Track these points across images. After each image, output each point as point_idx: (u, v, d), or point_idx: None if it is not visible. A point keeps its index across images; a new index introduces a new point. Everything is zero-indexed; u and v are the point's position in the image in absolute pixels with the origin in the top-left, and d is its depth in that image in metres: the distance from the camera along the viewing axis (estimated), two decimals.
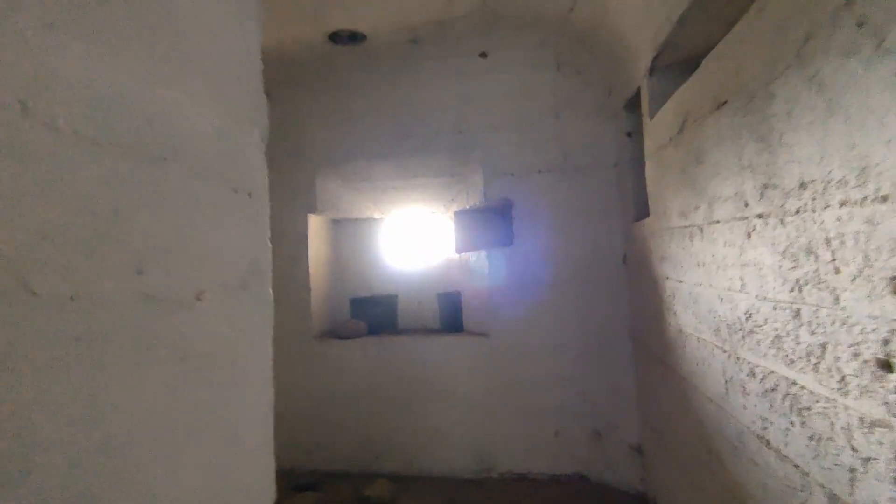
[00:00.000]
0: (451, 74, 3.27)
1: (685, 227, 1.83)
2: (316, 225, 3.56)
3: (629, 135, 2.77)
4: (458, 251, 3.65)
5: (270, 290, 1.21)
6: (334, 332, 3.51)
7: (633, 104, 2.59)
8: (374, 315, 3.91)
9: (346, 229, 3.96)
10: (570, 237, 3.09)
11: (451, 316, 3.78)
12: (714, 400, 1.63)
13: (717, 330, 1.59)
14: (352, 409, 3.33)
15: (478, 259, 3.35)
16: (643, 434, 2.79)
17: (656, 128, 2.13)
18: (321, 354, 3.39)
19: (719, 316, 1.56)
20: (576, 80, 3.09)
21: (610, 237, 3.03)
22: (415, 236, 4.02)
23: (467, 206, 3.49)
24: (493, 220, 3.68)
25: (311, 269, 3.44)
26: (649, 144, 2.27)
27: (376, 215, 3.86)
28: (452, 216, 3.72)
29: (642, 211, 2.58)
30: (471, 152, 3.26)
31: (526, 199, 3.16)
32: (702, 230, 1.67)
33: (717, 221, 1.54)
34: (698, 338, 1.77)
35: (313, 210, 3.41)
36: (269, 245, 1.24)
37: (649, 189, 2.32)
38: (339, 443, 3.33)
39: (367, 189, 3.64)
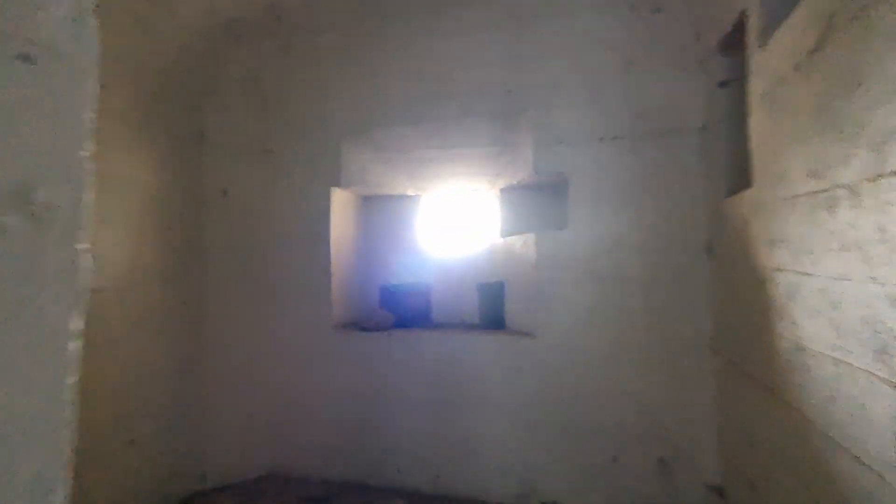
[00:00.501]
0: (498, 21, 2.73)
1: (819, 192, 1.22)
2: (341, 201, 3.13)
3: (723, 85, 2.13)
4: (504, 235, 3.12)
5: (80, 245, 0.73)
6: (357, 324, 3.07)
7: (731, 41, 1.95)
8: (406, 306, 3.45)
9: (376, 207, 3.51)
10: (637, 221, 2.48)
11: (491, 310, 3.25)
12: (872, 465, 1.03)
13: (883, 352, 0.98)
14: (373, 412, 2.89)
15: (525, 245, 2.80)
16: (726, 474, 2.17)
17: (771, 57, 1.51)
18: (341, 348, 2.96)
19: (889, 329, 0.96)
20: (654, 22, 2.47)
21: (689, 221, 2.40)
22: (454, 217, 3.52)
23: (515, 182, 2.94)
24: (544, 198, 3.11)
25: (333, 251, 3.01)
26: (758, 86, 1.65)
27: (410, 192, 3.39)
28: (498, 194, 3.18)
29: (739, 182, 1.95)
30: (520, 116, 2.71)
31: (585, 174, 2.58)
32: (855, 193, 1.07)
33: (894, 173, 0.93)
34: (838, 360, 1.16)
35: (337, 183, 2.98)
36: (85, 160, 0.76)
37: (755, 148, 1.70)
38: (358, 449, 2.90)
39: (400, 161, 3.17)
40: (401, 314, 3.35)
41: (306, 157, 3.03)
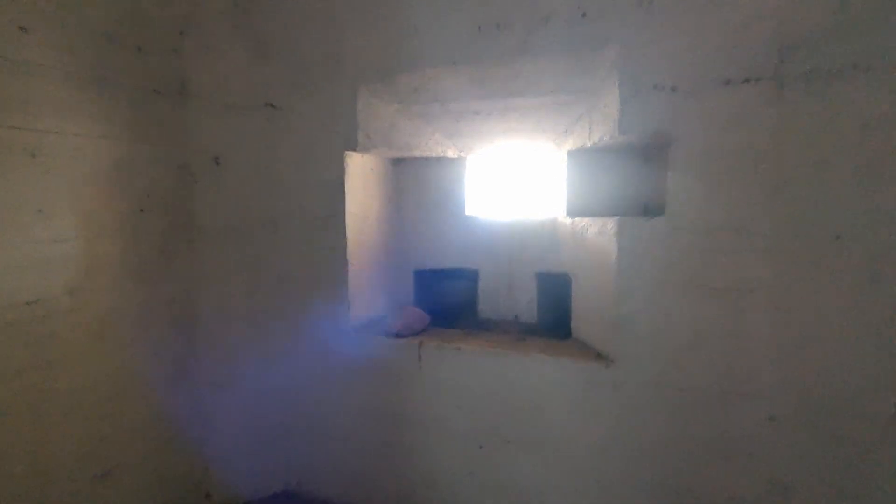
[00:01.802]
0: None
1: None
2: (361, 168, 2.45)
3: None
4: (571, 213, 2.36)
5: None
6: (384, 324, 2.46)
7: None
8: (446, 296, 2.81)
9: (409, 173, 2.80)
10: (775, 207, 1.67)
11: (554, 307, 2.56)
12: None
13: None
14: (401, 436, 2.32)
15: (601, 233, 2.04)
16: None
17: None
18: (361, 356, 2.38)
19: None
20: None
21: (877, 209, 1.56)
22: (507, 186, 2.77)
23: (589, 144, 2.14)
24: (629, 166, 2.30)
25: (351, 234, 2.37)
26: None
27: (451, 153, 2.66)
28: (565, 158, 2.39)
29: None
30: (601, 49, 1.88)
31: (696, 134, 1.76)
32: None
33: None
34: None
35: (353, 145, 2.29)
36: None
37: None
38: (384, 476, 2.37)
39: (436, 114, 2.42)
40: (440, 305, 2.73)
41: (314, 112, 2.34)
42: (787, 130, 1.64)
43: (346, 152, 2.31)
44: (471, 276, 2.75)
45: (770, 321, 1.71)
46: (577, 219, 2.26)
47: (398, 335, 2.34)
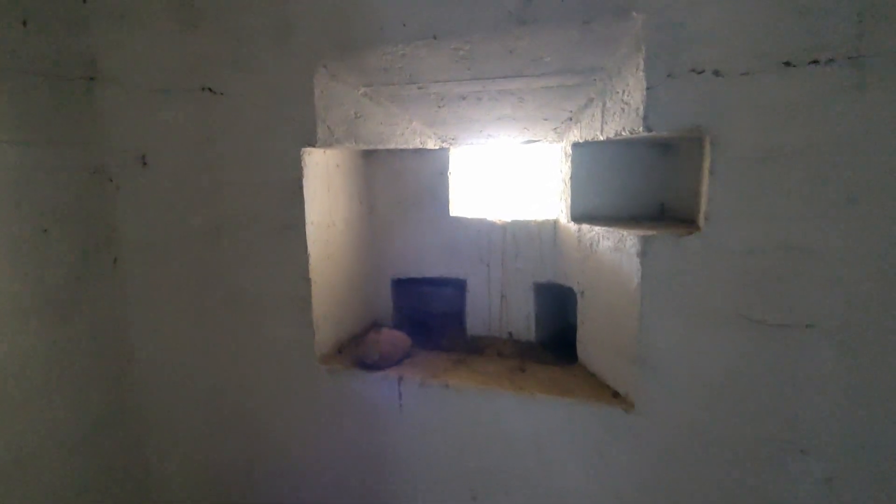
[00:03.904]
0: None
1: None
2: (323, 165, 2.03)
3: None
4: (577, 217, 1.98)
5: None
6: (357, 352, 2.08)
7: None
8: (430, 308, 2.45)
9: (382, 167, 2.38)
10: (858, 225, 1.32)
11: (555, 324, 2.21)
12: None
13: None
14: (382, 483, 1.98)
15: (619, 247, 1.67)
16: None
17: None
18: (331, 392, 2.01)
19: None
20: None
21: None
22: (499, 183, 2.37)
23: (602, 137, 1.75)
24: (646, 160, 1.93)
25: (314, 245, 1.97)
26: None
27: (432, 144, 2.24)
28: (569, 152, 2.00)
29: None
30: (622, 19, 1.47)
31: (746, 130, 1.38)
32: None
33: None
34: None
35: (311, 139, 1.85)
36: None
37: None
38: None
39: (413, 99, 1.99)
40: (422, 320, 2.36)
41: (263, 97, 1.89)
42: (867, 125, 1.27)
43: (304, 149, 1.88)
44: (457, 287, 2.37)
45: (833, 364, 1.37)
46: (584, 226, 1.88)
47: (374, 367, 1.97)
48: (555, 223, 2.12)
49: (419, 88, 1.90)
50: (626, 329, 1.64)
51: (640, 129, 1.48)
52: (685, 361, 1.51)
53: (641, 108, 1.47)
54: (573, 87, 1.78)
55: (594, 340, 1.88)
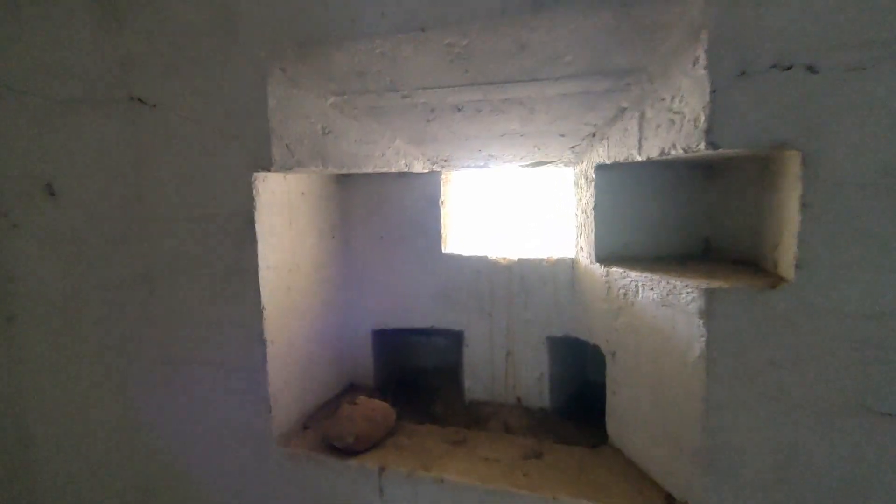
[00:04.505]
0: None
1: None
2: (282, 194, 1.62)
3: None
4: (602, 259, 1.57)
5: None
6: (327, 427, 1.63)
7: None
8: (419, 366, 2.03)
9: (359, 194, 1.97)
10: None
11: (574, 387, 1.80)
12: None
13: None
14: None
15: (670, 301, 1.26)
16: None
17: None
18: (291, 490, 1.56)
19: None
20: None
21: None
22: (503, 214, 1.97)
23: (639, 156, 1.35)
24: (696, 194, 1.54)
25: (271, 296, 1.54)
26: None
27: (420, 168, 1.84)
28: (590, 175, 1.60)
29: None
30: (672, 3, 1.09)
31: (853, 144, 1.00)
32: None
33: None
34: None
35: (265, 162, 1.44)
36: None
37: None
38: None
39: (396, 110, 1.59)
40: (410, 381, 1.95)
41: (203, 110, 1.49)
42: None
43: (257, 174, 1.47)
44: (453, 340, 1.95)
45: None
46: (615, 269, 1.47)
47: (348, 451, 1.52)
48: (572, 263, 1.72)
49: (403, 97, 1.50)
50: (683, 411, 1.22)
51: (701, 145, 1.09)
52: (775, 465, 1.09)
53: (703, 117, 1.08)
54: (600, 94, 1.39)
55: (633, 419, 1.46)
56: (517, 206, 1.98)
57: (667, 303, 1.25)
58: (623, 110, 1.41)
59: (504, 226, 2.01)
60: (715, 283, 1.13)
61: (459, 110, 1.54)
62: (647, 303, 1.33)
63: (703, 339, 1.12)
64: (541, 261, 1.76)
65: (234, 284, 1.52)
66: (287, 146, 1.47)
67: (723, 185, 1.52)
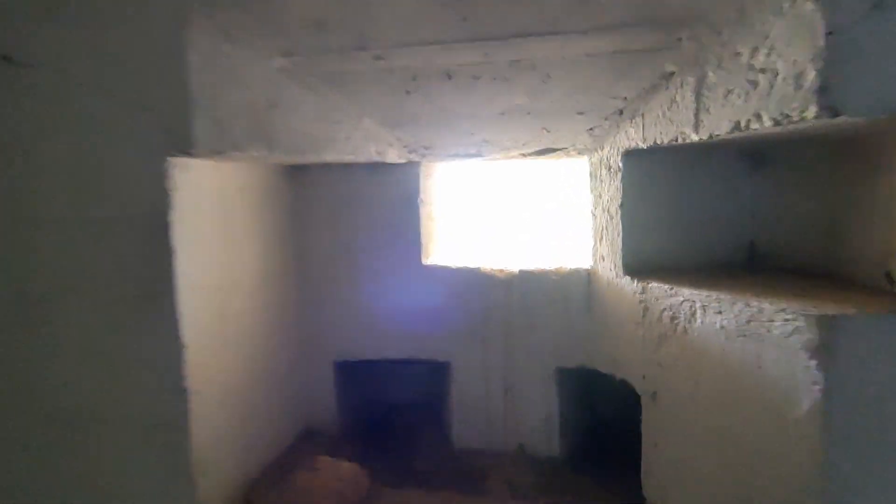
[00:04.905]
0: None
1: None
2: (212, 188, 1.21)
3: None
4: (633, 270, 1.23)
5: None
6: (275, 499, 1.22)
7: None
8: (391, 397, 1.65)
9: (319, 192, 1.58)
10: None
11: (590, 430, 1.45)
12: None
13: None
14: None
15: (747, 330, 0.92)
16: None
17: None
18: None
19: None
20: None
21: None
22: (500, 215, 1.62)
23: (695, 136, 1.01)
24: (740, 187, 1.23)
25: (197, 325, 1.13)
26: None
27: (395, 157, 1.46)
28: (616, 165, 1.26)
29: None
30: None
31: None
32: None
33: None
34: None
35: (186, 142, 1.03)
36: None
37: None
38: None
39: (366, 78, 1.21)
40: (382, 425, 1.56)
41: (97, 71, 1.07)
42: None
43: (172, 159, 1.06)
44: (437, 373, 1.57)
45: None
46: (654, 285, 1.13)
47: None
48: (588, 276, 1.37)
49: (376, 59, 1.13)
50: (781, 479, 0.88)
51: (809, 111, 0.77)
52: None
53: (811, 72, 0.76)
54: (639, 54, 1.05)
55: (686, 480, 1.11)
56: (516, 205, 1.62)
57: (746, 333, 0.92)
58: (668, 77, 1.08)
59: (499, 231, 1.65)
60: (829, 307, 0.80)
61: (450, 78, 1.18)
62: (711, 331, 0.99)
63: (818, 387, 0.79)
64: (547, 273, 1.41)
65: (143, 311, 1.10)
66: (216, 122, 1.07)
67: (774, 177, 1.21)
